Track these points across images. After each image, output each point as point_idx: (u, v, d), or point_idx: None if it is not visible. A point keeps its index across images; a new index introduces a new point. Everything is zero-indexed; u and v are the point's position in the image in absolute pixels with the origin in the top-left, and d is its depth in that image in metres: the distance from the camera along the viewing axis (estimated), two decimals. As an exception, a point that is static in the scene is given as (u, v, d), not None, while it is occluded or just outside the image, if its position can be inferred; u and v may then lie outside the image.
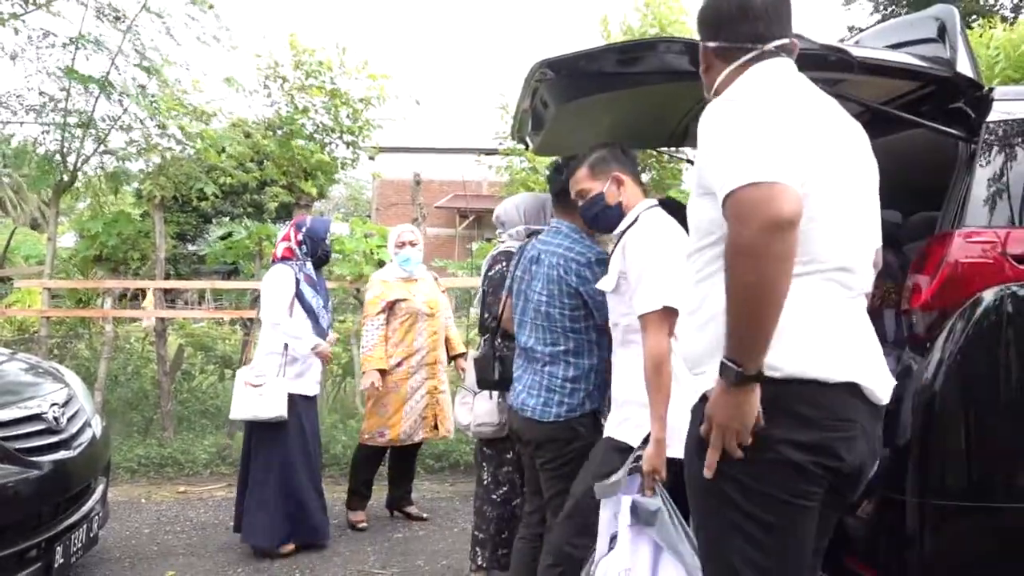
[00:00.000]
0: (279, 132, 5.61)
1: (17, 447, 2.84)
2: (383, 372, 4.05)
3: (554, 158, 3.65)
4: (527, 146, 3.57)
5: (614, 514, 2.16)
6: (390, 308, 4.12)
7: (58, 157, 5.82)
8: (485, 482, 3.22)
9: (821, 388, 1.54)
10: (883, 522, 2.36)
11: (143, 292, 9.54)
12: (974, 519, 2.24)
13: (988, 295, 2.27)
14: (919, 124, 2.42)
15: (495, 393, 3.08)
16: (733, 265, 1.42)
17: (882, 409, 1.68)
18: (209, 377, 6.96)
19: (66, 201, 8.75)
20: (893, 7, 18.29)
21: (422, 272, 4.30)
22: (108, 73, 5.69)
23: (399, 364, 4.10)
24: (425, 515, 4.37)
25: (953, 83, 2.38)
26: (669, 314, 2.19)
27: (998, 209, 2.36)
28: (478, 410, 3.11)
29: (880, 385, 1.63)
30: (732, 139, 1.49)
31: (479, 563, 3.20)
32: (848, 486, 1.65)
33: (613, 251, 2.44)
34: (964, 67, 2.37)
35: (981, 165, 2.37)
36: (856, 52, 2.32)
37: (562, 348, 2.58)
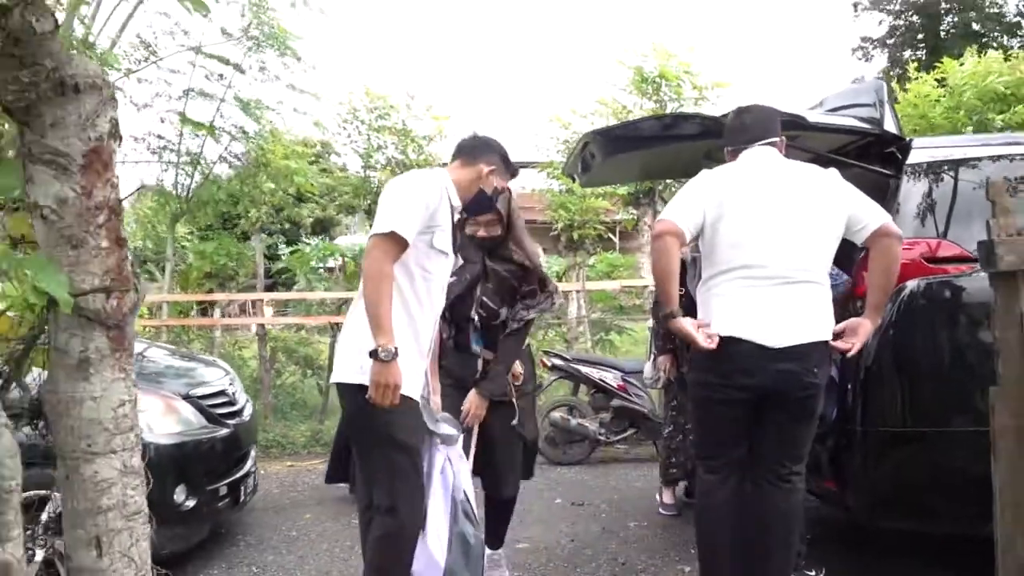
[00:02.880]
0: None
1: (217, 413, 3.92)
2: None
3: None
4: (574, 179, 4.63)
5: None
6: None
7: (173, 191, 6.98)
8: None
9: (729, 339, 2.63)
10: (840, 446, 3.34)
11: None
12: (902, 439, 3.21)
13: (910, 285, 3.22)
14: (858, 165, 3.42)
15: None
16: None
17: (787, 351, 2.64)
18: (293, 375, 8.06)
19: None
20: (901, 14, 19.08)
21: None
22: (213, 120, 6.83)
23: None
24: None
25: (883, 136, 3.39)
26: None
27: (916, 226, 3.35)
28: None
29: (769, 336, 2.62)
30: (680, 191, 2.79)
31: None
32: (777, 395, 2.66)
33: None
34: (889, 125, 3.37)
35: (904, 194, 3.36)
36: (810, 118, 3.33)
37: None
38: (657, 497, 4.56)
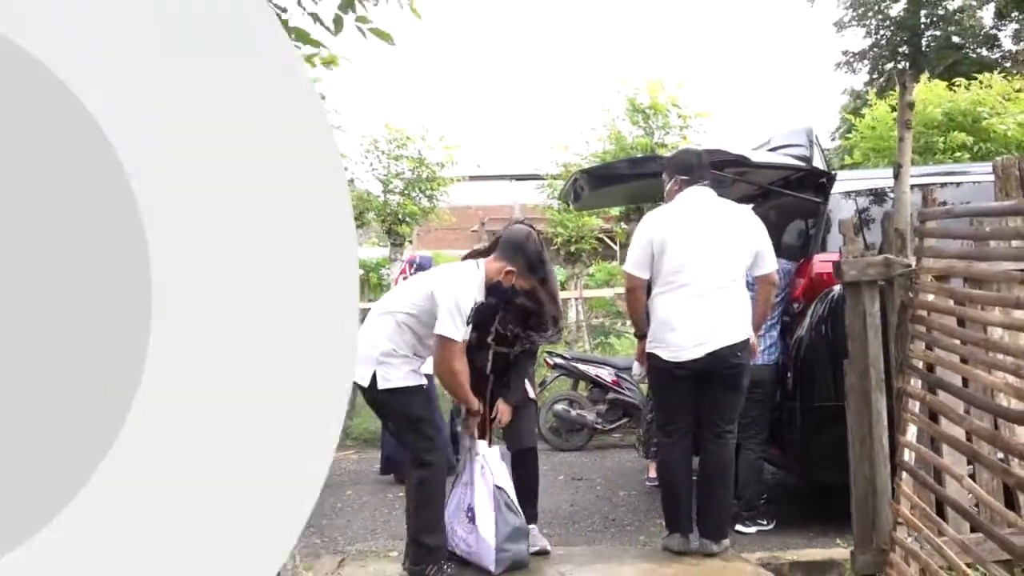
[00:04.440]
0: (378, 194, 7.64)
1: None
2: None
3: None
4: (568, 206, 5.52)
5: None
6: None
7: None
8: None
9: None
10: (783, 418, 4.19)
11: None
12: (830, 412, 4.02)
13: (835, 290, 4.07)
14: (794, 194, 4.28)
15: None
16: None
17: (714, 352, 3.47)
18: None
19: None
20: (881, 32, 19.94)
21: None
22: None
23: None
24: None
25: (812, 171, 4.24)
26: None
27: (840, 242, 4.19)
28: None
29: (697, 351, 3.46)
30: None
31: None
32: (709, 372, 3.48)
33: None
34: (817, 162, 4.23)
35: (829, 217, 4.21)
36: (753, 157, 4.19)
37: None
38: (646, 473, 5.39)
